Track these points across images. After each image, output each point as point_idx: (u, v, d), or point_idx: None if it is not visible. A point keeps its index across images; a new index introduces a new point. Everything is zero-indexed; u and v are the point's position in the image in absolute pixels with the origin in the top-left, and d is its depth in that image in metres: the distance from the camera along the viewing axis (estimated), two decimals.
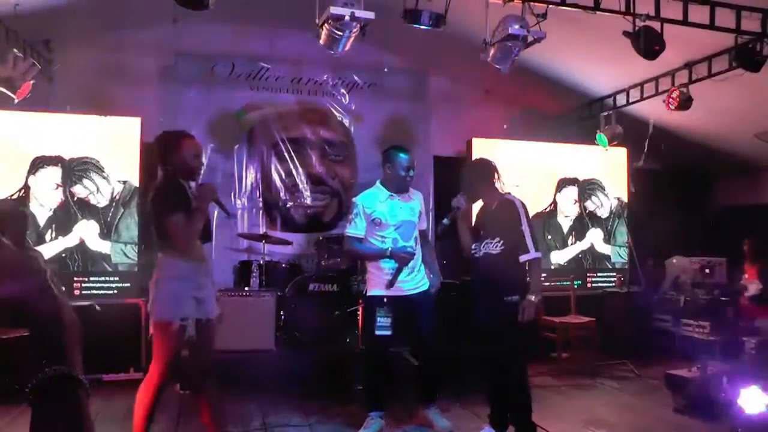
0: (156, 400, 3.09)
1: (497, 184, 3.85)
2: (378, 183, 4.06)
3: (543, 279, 5.14)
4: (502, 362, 3.70)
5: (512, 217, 3.68)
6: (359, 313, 5.80)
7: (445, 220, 3.90)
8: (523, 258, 3.64)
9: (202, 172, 3.42)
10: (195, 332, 3.10)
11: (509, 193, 3.86)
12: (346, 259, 5.81)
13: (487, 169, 3.87)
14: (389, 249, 3.85)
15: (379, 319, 3.84)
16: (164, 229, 3.04)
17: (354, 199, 4.09)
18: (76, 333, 0.75)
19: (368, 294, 4.00)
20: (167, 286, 3.05)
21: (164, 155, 3.19)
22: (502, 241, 3.68)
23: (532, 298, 3.55)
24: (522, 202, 3.77)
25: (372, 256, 3.97)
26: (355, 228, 3.96)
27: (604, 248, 7.24)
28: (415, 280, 4.03)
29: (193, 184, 3.26)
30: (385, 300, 3.88)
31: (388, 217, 3.94)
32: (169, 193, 3.11)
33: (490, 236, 3.72)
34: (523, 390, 3.73)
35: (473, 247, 3.84)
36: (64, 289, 0.81)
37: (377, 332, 3.83)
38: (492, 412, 3.90)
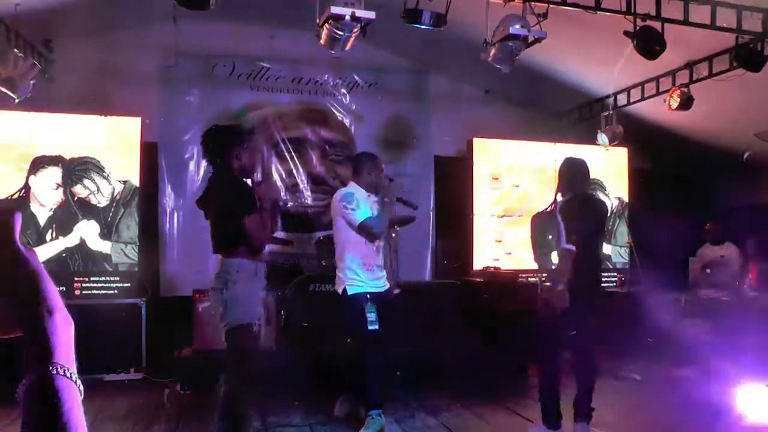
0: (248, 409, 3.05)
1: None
2: (353, 185, 4.13)
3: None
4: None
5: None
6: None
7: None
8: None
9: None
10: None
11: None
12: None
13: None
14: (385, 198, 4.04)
15: (369, 315, 3.88)
16: (240, 228, 2.92)
17: (343, 193, 4.05)
18: (68, 331, 0.75)
19: (350, 293, 3.96)
20: (242, 288, 2.96)
21: (227, 151, 3.06)
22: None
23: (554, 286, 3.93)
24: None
25: (389, 216, 4.08)
26: (364, 212, 3.94)
27: (605, 248, 7.24)
28: (384, 277, 4.18)
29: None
30: (368, 296, 3.95)
31: (372, 214, 4.06)
32: (243, 191, 3.02)
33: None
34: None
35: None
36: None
37: (370, 327, 3.86)
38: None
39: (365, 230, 3.96)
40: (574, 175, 4.17)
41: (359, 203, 3.96)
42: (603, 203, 4.47)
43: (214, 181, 3.13)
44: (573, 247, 3.82)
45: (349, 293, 3.97)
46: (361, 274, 3.98)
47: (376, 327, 3.87)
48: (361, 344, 3.98)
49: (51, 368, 0.71)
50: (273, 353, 5.26)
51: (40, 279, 0.76)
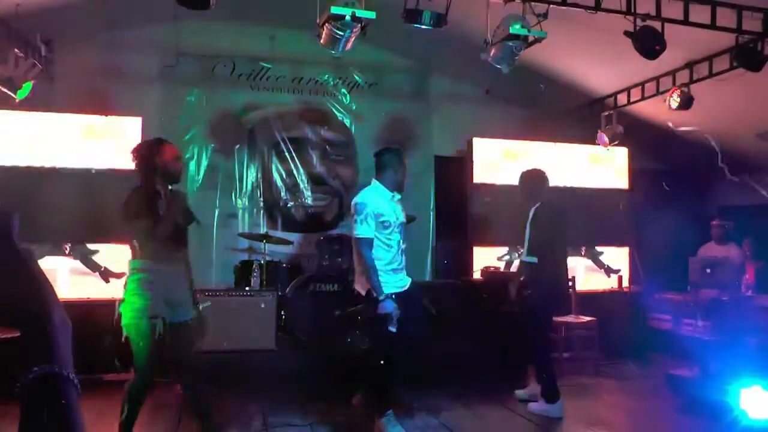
0: (141, 400, 3.24)
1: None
2: (376, 183, 3.98)
3: None
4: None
5: (532, 222, 4.63)
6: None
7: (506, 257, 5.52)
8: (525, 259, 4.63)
9: (181, 175, 3.47)
10: (169, 334, 3.18)
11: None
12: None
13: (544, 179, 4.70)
14: (384, 296, 3.75)
15: (393, 316, 3.78)
16: (134, 234, 3.20)
17: (357, 201, 3.90)
18: (67, 331, 0.75)
19: (374, 294, 3.84)
20: (136, 287, 3.15)
21: (146, 161, 3.27)
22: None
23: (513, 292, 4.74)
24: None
25: (372, 282, 3.79)
26: (367, 229, 3.81)
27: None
28: (407, 276, 4.09)
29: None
30: (393, 297, 3.83)
31: (394, 218, 3.93)
32: (140, 199, 3.20)
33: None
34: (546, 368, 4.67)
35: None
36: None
37: (392, 328, 3.75)
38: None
39: (356, 246, 3.89)
40: (535, 185, 4.65)
41: (369, 215, 3.82)
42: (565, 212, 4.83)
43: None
44: (535, 260, 4.47)
45: (374, 295, 3.84)
46: (384, 275, 3.85)
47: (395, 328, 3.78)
48: (381, 345, 3.92)
49: (50, 369, 0.71)
50: (274, 353, 5.25)
51: (39, 279, 0.76)
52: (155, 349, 3.14)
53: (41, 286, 0.76)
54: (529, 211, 4.62)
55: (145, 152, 3.30)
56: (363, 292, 3.93)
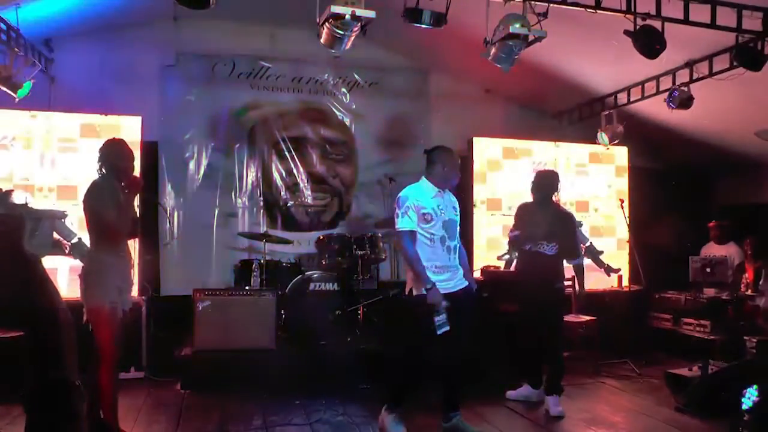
0: (115, 382, 3.40)
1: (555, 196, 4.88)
2: (424, 179, 3.97)
3: None
4: (552, 334, 4.72)
5: (570, 227, 4.82)
6: (360, 312, 5.85)
7: (507, 256, 5.48)
8: (573, 262, 4.98)
9: (132, 173, 3.82)
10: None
11: (563, 206, 5.00)
12: (351, 257, 5.89)
13: (556, 181, 4.87)
14: (432, 284, 3.71)
15: (437, 318, 3.66)
16: (95, 225, 3.49)
17: (401, 194, 3.88)
18: (71, 335, 0.75)
19: (416, 294, 3.79)
20: (96, 276, 3.40)
21: (105, 159, 3.67)
22: (557, 246, 4.65)
23: (584, 290, 5.29)
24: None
25: (418, 272, 3.75)
26: (409, 222, 3.78)
27: None
28: (457, 277, 3.97)
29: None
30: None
31: (437, 212, 3.87)
32: (102, 192, 3.53)
33: (547, 240, 4.63)
34: (562, 355, 4.86)
35: (528, 246, 4.71)
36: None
37: (439, 332, 3.65)
38: (533, 374, 4.87)
39: (397, 238, 3.92)
40: (538, 184, 4.83)
41: (409, 210, 3.79)
42: (562, 212, 4.96)
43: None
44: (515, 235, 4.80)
45: (414, 294, 3.81)
46: (429, 274, 3.78)
47: (447, 329, 3.66)
48: (419, 343, 3.86)
49: (57, 375, 0.71)
50: (274, 352, 5.25)
51: (46, 284, 0.76)
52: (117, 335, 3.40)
53: (48, 290, 0.76)
54: (547, 210, 4.77)
55: (104, 150, 3.70)
56: (406, 292, 3.87)
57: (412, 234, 3.80)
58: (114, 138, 3.84)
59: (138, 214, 3.82)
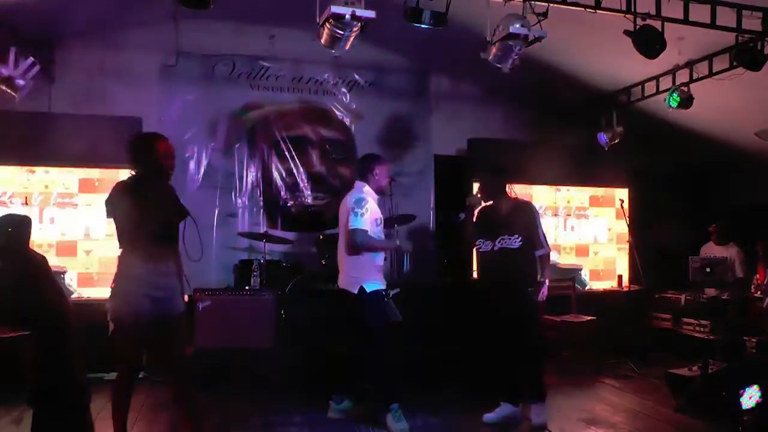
0: (125, 397, 3.11)
1: (508, 188, 4.47)
2: (367, 187, 4.22)
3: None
4: (526, 343, 4.21)
5: (530, 217, 4.31)
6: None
7: (461, 215, 4.44)
8: (538, 253, 4.28)
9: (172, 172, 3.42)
10: (154, 331, 3.11)
11: (518, 197, 4.47)
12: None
13: (506, 174, 4.52)
14: (398, 241, 4.10)
15: (391, 306, 4.12)
16: (117, 228, 3.18)
17: (359, 196, 4.11)
18: (77, 336, 0.76)
19: (369, 290, 4.08)
20: (123, 283, 3.12)
21: (140, 156, 3.26)
22: (520, 237, 4.23)
23: (546, 281, 4.29)
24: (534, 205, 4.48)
25: (385, 246, 4.23)
26: (364, 222, 4.03)
27: None
28: None
29: None
30: (384, 291, 4.16)
31: (381, 219, 4.25)
32: (133, 192, 3.18)
33: (509, 233, 4.25)
34: (541, 366, 4.34)
35: (480, 242, 4.36)
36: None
37: (393, 319, 4.09)
38: (507, 391, 4.36)
39: (351, 237, 4.05)
40: (486, 185, 4.48)
41: (367, 212, 4.04)
42: (520, 202, 4.51)
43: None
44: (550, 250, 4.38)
45: (368, 291, 4.07)
46: (376, 272, 4.17)
47: (398, 314, 4.15)
48: (379, 342, 4.07)
49: (61, 371, 0.71)
50: (273, 352, 5.25)
51: (50, 282, 0.76)
52: (138, 343, 3.13)
53: (56, 292, 0.76)
54: (504, 204, 4.37)
55: (139, 145, 3.30)
56: (353, 290, 4.09)
57: (366, 232, 4.05)
58: (149, 132, 3.49)
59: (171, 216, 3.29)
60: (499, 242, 4.26)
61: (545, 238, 4.33)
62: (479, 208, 4.46)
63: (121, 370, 3.17)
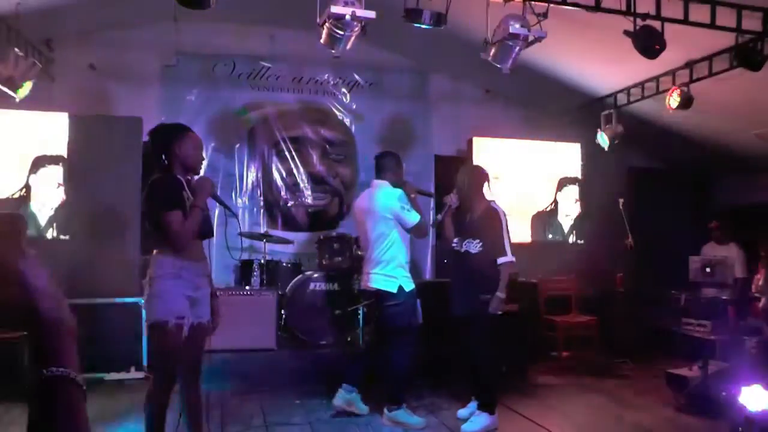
0: (164, 406, 3.03)
1: (486, 191, 4.42)
2: (389, 184, 4.28)
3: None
4: (472, 347, 4.22)
5: (495, 224, 4.21)
6: (360, 311, 5.84)
7: (439, 216, 4.51)
8: (500, 260, 4.14)
9: (203, 166, 3.26)
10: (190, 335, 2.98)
11: (494, 201, 4.35)
12: (351, 257, 5.94)
13: (482, 176, 4.43)
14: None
15: (419, 307, 4.20)
16: (161, 226, 2.90)
17: (396, 192, 4.21)
18: (72, 333, 0.75)
19: (407, 289, 4.14)
20: (160, 284, 2.93)
21: (164, 148, 3.01)
22: (481, 243, 4.20)
23: (501, 295, 4.09)
24: (504, 212, 4.29)
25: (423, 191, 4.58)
26: (414, 212, 4.18)
27: None
28: None
29: (196, 177, 3.18)
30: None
31: None
32: (167, 188, 2.97)
33: (472, 237, 4.25)
34: (488, 371, 4.24)
35: (455, 241, 4.36)
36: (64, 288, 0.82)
37: (420, 320, 4.19)
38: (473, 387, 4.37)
39: (421, 229, 4.24)
40: (463, 180, 4.40)
41: (407, 203, 4.16)
42: (490, 208, 4.32)
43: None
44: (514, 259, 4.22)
45: (406, 290, 4.13)
46: (408, 271, 4.24)
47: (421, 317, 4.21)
48: (407, 341, 4.13)
49: (58, 372, 0.71)
50: (274, 352, 5.25)
51: (45, 281, 0.76)
52: (178, 350, 2.94)
53: (47, 287, 0.76)
54: (475, 206, 4.32)
55: (165, 137, 3.05)
56: (391, 289, 4.11)
57: None
58: (178, 124, 3.24)
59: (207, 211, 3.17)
60: (465, 244, 4.29)
61: (510, 247, 4.18)
62: (455, 207, 4.38)
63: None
